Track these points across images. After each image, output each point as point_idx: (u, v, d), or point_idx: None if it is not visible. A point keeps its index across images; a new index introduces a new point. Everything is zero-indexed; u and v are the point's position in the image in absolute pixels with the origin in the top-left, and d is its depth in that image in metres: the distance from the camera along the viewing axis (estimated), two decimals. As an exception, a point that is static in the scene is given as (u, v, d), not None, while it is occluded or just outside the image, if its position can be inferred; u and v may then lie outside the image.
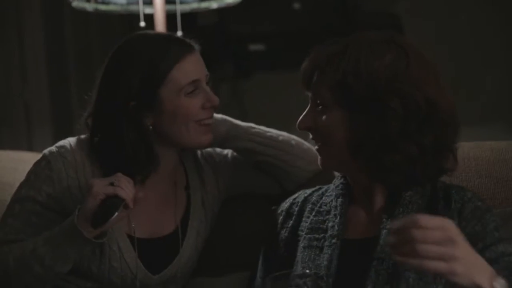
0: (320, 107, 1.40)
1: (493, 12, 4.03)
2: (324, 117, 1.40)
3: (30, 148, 3.28)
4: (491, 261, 1.28)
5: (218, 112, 1.64)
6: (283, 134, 1.70)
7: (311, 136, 1.45)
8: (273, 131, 1.69)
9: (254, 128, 1.68)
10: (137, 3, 2.35)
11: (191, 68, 1.54)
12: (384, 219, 1.39)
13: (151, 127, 1.54)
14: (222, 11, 3.88)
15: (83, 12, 2.52)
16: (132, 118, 1.53)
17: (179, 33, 2.15)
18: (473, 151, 1.69)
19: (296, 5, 3.99)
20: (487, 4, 4.00)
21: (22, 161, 1.81)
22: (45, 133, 3.38)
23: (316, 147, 1.45)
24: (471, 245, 1.28)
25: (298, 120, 1.43)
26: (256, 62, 3.97)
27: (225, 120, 1.65)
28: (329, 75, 1.38)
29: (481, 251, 1.31)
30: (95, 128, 1.57)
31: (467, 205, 1.38)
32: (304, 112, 1.43)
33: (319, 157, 1.45)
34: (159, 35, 1.63)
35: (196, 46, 1.57)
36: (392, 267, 1.34)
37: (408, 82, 1.36)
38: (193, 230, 1.63)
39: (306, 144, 1.71)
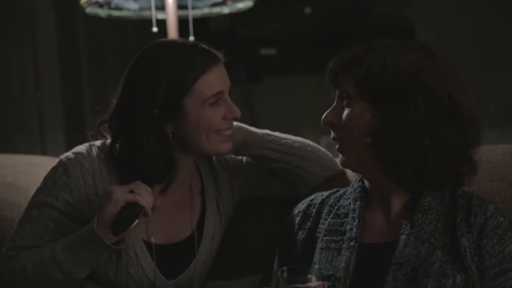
0: (345, 102, 1.43)
1: (502, 13, 4.01)
2: (348, 110, 1.42)
3: (43, 152, 3.29)
4: None
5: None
6: (299, 140, 1.70)
7: (332, 135, 1.46)
8: (289, 137, 1.69)
9: (270, 135, 1.68)
10: (150, 8, 2.36)
11: (216, 79, 1.54)
12: (403, 225, 1.40)
13: (171, 135, 1.55)
14: (234, 16, 3.90)
15: (96, 18, 2.53)
16: (154, 126, 1.52)
17: (192, 38, 2.16)
18: (485, 154, 1.68)
19: (308, 10, 3.99)
20: (496, 7, 3.99)
21: (36, 165, 1.82)
22: (58, 138, 3.40)
23: (337, 146, 1.46)
24: (489, 265, 1.33)
25: (323, 116, 1.45)
26: (267, 67, 3.98)
27: (240, 128, 1.66)
28: (354, 69, 1.41)
29: (497, 275, 1.33)
30: (115, 134, 1.57)
31: (490, 221, 1.38)
32: (330, 108, 1.46)
33: (340, 155, 1.47)
34: (186, 43, 1.61)
35: (221, 57, 1.57)
36: (410, 273, 1.34)
37: (432, 78, 1.38)
38: (208, 235, 1.64)
39: (322, 149, 1.72)
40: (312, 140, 1.75)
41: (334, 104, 1.45)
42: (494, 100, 3.92)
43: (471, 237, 1.37)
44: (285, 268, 1.25)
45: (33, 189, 1.61)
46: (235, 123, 1.64)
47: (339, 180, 1.71)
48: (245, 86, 4.05)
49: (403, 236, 1.38)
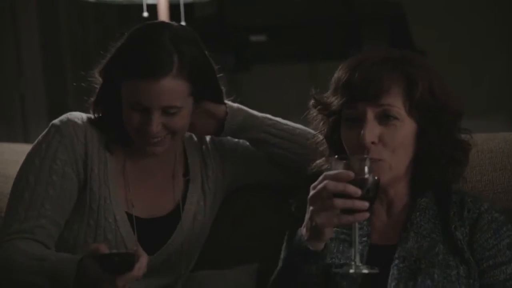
0: (390, 120, 1.40)
1: (495, 2, 4.00)
2: (396, 130, 1.40)
3: (26, 140, 3.25)
4: (498, 283, 1.33)
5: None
6: (300, 127, 1.66)
7: (371, 154, 1.39)
8: (290, 124, 1.66)
9: (270, 119, 1.65)
10: (140, -7, 2.32)
11: (142, 93, 1.49)
12: (402, 224, 1.42)
13: None
14: (223, 2, 3.84)
15: (78, 3, 2.48)
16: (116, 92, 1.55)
17: (183, 23, 2.12)
18: (486, 143, 1.65)
19: (298, -4, 3.95)
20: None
21: (24, 154, 1.77)
22: (40, 126, 3.34)
23: (377, 161, 1.39)
24: (481, 258, 1.35)
25: (365, 133, 1.39)
26: (256, 54, 3.93)
27: (241, 110, 1.62)
28: (403, 90, 1.40)
29: (490, 268, 1.35)
30: (96, 97, 1.59)
31: (484, 216, 1.39)
32: (368, 126, 1.39)
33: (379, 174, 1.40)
34: (157, 40, 1.52)
35: (176, 67, 1.49)
36: (414, 264, 1.36)
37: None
38: (190, 213, 1.62)
39: None
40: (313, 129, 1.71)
41: (369, 121, 1.40)
42: (483, 89, 3.92)
43: (464, 231, 1.38)
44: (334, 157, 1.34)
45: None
46: (235, 104, 1.62)
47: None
48: (234, 73, 4.00)
49: (403, 233, 1.41)
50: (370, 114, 1.39)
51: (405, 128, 1.40)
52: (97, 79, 1.59)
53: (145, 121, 1.51)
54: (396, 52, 1.44)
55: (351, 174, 1.29)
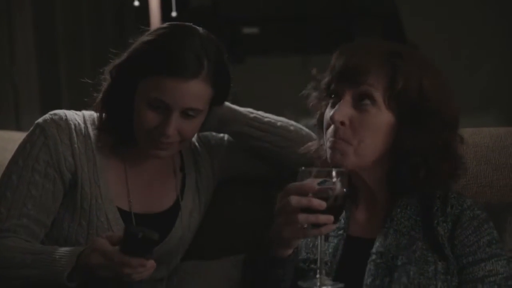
0: (366, 105, 1.37)
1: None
2: (369, 116, 1.37)
3: (19, 128, 3.24)
4: (477, 280, 1.33)
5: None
6: (282, 120, 1.67)
7: (338, 134, 1.37)
8: (272, 117, 1.66)
9: (252, 113, 1.65)
10: (132, -18, 2.31)
11: (168, 91, 1.47)
12: (384, 219, 1.40)
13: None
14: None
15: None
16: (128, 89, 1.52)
17: (174, 14, 2.10)
18: (471, 137, 1.65)
19: (292, -12, 3.94)
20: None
21: (12, 141, 1.78)
22: (33, 115, 3.34)
23: (336, 144, 1.38)
24: (461, 254, 1.34)
25: (334, 112, 1.36)
26: (249, 46, 3.93)
27: (223, 104, 1.61)
28: (386, 79, 1.37)
29: (469, 265, 1.34)
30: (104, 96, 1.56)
31: (466, 213, 1.38)
32: (340, 105, 1.37)
33: (336, 153, 1.38)
34: (187, 41, 1.49)
35: (205, 71, 1.47)
36: (391, 260, 1.35)
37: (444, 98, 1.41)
38: (186, 210, 1.63)
39: (305, 130, 1.68)
40: (296, 121, 1.70)
41: (345, 101, 1.37)
42: (477, 85, 3.92)
43: (446, 226, 1.37)
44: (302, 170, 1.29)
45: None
46: None
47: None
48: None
49: (383, 229, 1.39)
50: (347, 95, 1.37)
51: (380, 118, 1.36)
52: (105, 78, 1.55)
53: (162, 122, 1.48)
54: (391, 45, 1.42)
55: (315, 186, 1.25)
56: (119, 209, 1.57)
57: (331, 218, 1.25)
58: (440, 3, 4.03)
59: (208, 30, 1.54)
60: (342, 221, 1.42)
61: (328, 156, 1.39)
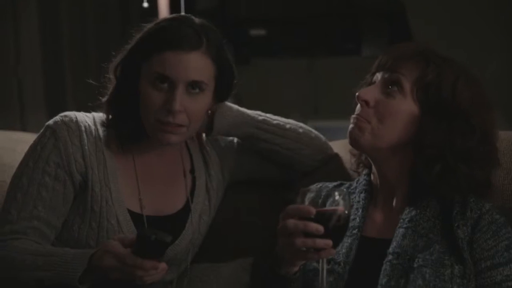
0: (393, 90, 1.41)
1: (492, 4, 4.01)
2: (393, 102, 1.40)
3: (24, 129, 3.24)
4: (495, 284, 1.33)
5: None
6: (291, 122, 1.66)
7: (358, 111, 1.41)
8: (280, 119, 1.66)
9: (261, 115, 1.65)
10: (140, -17, 2.31)
11: (170, 63, 1.48)
12: (401, 219, 1.40)
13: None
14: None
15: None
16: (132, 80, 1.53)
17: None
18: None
19: (299, -10, 3.94)
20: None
21: (21, 142, 1.78)
22: (38, 114, 3.35)
23: (356, 121, 1.41)
24: (480, 258, 1.34)
25: (360, 91, 1.42)
26: (256, 48, 3.93)
27: (231, 107, 1.62)
28: (418, 71, 1.41)
29: (487, 269, 1.34)
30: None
31: (485, 217, 1.38)
32: (369, 87, 1.43)
33: (356, 129, 1.41)
34: (181, 19, 1.55)
35: (204, 45, 1.50)
36: (408, 262, 1.35)
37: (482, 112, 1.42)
38: (196, 213, 1.62)
39: (314, 132, 1.68)
40: (304, 123, 1.70)
41: (377, 84, 1.43)
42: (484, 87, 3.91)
43: (466, 230, 1.37)
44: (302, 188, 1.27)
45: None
46: (226, 103, 1.61)
47: (332, 166, 1.67)
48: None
49: (401, 230, 1.38)
50: (380, 81, 1.43)
51: (403, 105, 1.40)
52: (109, 79, 1.56)
53: (168, 99, 1.49)
54: (432, 48, 1.45)
55: (312, 210, 1.22)
56: (130, 211, 1.56)
57: (329, 242, 1.22)
58: (445, 7, 4.03)
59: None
60: (358, 220, 1.42)
61: (348, 131, 1.42)
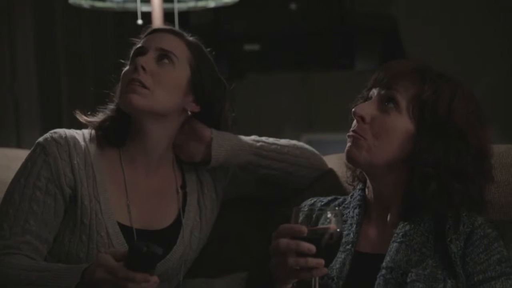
0: (389, 107, 1.42)
1: (489, 10, 4.02)
2: (389, 119, 1.42)
3: (19, 145, 3.24)
4: None
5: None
6: (288, 145, 1.67)
7: (354, 127, 1.42)
8: (277, 142, 1.66)
9: (258, 141, 1.65)
10: (134, 1, 2.32)
11: (144, 42, 1.58)
12: (395, 234, 1.41)
13: None
14: (218, 11, 3.85)
15: (74, 9, 2.48)
16: None
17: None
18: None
19: (293, 6, 3.96)
20: (486, 6, 3.99)
21: (16, 159, 1.78)
22: (34, 131, 3.35)
23: (353, 138, 1.42)
24: (472, 272, 1.35)
25: (357, 107, 1.43)
26: (250, 63, 3.94)
27: (228, 136, 1.62)
28: (415, 89, 1.42)
29: (480, 283, 1.35)
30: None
31: (477, 231, 1.39)
32: (365, 103, 1.44)
33: (352, 147, 1.42)
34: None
35: (183, 38, 1.59)
36: (401, 277, 1.35)
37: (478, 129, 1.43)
38: (187, 228, 1.63)
39: (309, 150, 1.69)
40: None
41: (373, 101, 1.44)
42: (481, 101, 3.93)
43: (459, 244, 1.38)
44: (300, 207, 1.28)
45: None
46: (222, 132, 1.62)
47: (328, 179, 1.68)
48: (227, 82, 4.01)
49: (394, 244, 1.39)
50: (375, 95, 1.44)
51: (399, 122, 1.41)
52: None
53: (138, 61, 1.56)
54: (428, 65, 1.46)
55: (304, 229, 1.24)
56: (120, 224, 1.57)
57: (321, 262, 1.24)
58: (440, 15, 4.05)
59: (209, 47, 1.61)
60: (351, 235, 1.43)
61: (346, 150, 1.43)
